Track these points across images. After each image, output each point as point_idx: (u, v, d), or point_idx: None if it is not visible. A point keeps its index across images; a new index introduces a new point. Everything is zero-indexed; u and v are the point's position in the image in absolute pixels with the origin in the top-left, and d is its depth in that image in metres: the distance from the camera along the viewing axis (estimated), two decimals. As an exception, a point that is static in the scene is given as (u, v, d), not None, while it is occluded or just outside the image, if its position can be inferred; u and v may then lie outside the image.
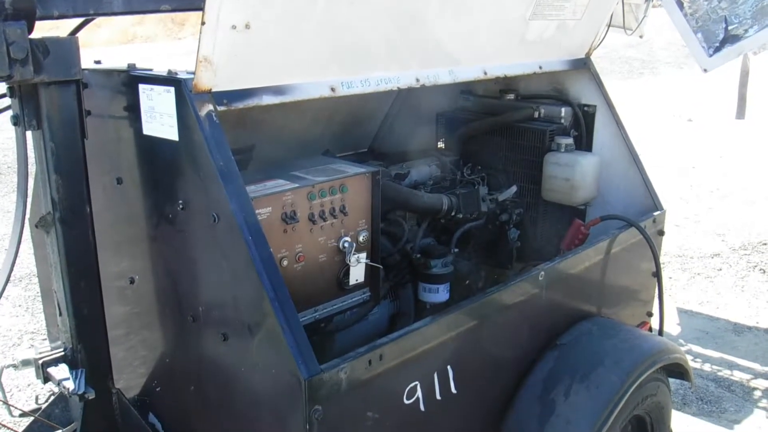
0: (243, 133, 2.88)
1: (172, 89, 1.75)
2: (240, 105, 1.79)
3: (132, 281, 2.12)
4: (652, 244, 2.68)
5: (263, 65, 1.82)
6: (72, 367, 2.03)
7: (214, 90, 1.74)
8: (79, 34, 2.00)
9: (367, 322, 2.54)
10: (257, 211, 1.78)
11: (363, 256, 2.00)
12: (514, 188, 2.77)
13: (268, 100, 1.85)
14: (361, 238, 2.04)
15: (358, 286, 2.07)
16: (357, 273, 2.01)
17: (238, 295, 1.73)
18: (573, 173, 2.87)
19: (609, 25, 3.97)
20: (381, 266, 2.13)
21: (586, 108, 3.06)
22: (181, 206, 1.82)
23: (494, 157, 3.14)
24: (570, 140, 2.94)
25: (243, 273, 1.67)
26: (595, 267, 2.59)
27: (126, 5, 1.93)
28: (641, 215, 2.89)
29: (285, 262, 1.86)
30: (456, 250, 2.66)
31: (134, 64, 1.95)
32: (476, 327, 2.05)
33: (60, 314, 2.05)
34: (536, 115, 3.04)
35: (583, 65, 2.97)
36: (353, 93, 2.06)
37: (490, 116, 3.16)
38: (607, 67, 14.55)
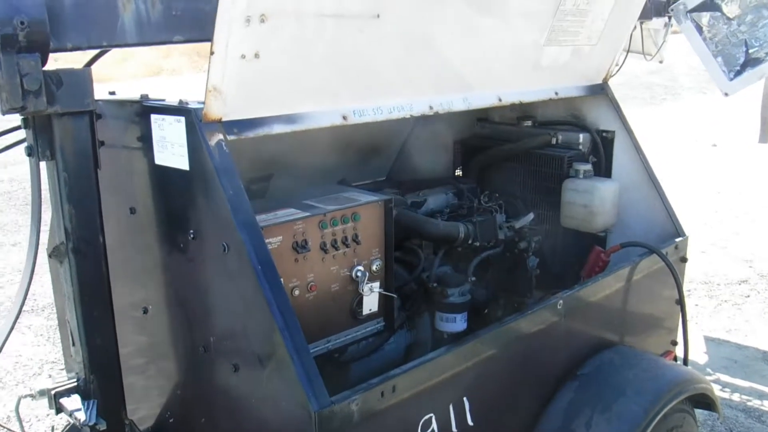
0: (259, 163, 2.89)
1: (182, 119, 1.75)
2: (251, 134, 1.79)
3: (145, 311, 2.11)
4: (674, 271, 2.62)
5: (273, 94, 1.82)
6: (84, 397, 2.01)
7: (224, 119, 1.74)
8: (108, 68, 2.03)
9: (383, 351, 2.51)
10: (267, 240, 1.76)
11: (376, 285, 1.97)
12: (530, 215, 2.73)
13: (278, 129, 1.84)
14: (374, 267, 2.02)
15: (371, 316, 2.04)
16: (370, 302, 1.99)
17: (248, 325, 1.71)
18: (591, 199, 2.82)
19: (628, 51, 3.95)
20: (395, 295, 2.10)
21: (604, 134, 3.02)
22: (192, 236, 1.81)
23: (512, 184, 3.11)
24: (588, 166, 2.90)
25: (253, 303, 1.65)
26: (616, 295, 2.53)
27: (139, 37, 1.94)
28: (663, 242, 2.83)
29: (296, 292, 1.84)
30: (473, 278, 2.62)
31: (147, 95, 1.97)
32: (493, 357, 2.01)
33: (73, 344, 2.04)
34: (554, 141, 3.01)
35: (600, 91, 2.94)
36: (366, 121, 2.05)
37: (508, 143, 3.14)
38: (628, 93, 14.48)
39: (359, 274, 1.96)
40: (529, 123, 3.20)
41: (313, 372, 1.58)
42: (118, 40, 1.93)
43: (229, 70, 1.68)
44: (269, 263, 1.63)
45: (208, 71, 1.65)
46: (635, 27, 3.81)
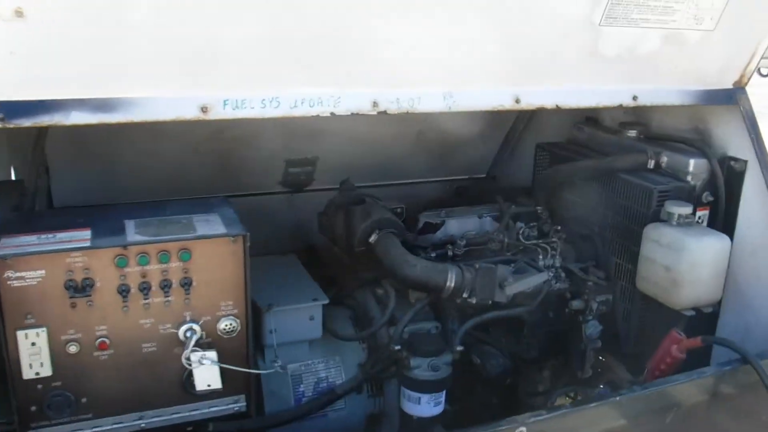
0: (306, 143, 2.38)
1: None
2: (27, 122, 1.27)
3: None
4: (773, 398, 1.66)
5: (70, 69, 1.27)
6: None
7: (-17, 100, 1.24)
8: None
9: (326, 420, 1.90)
10: (19, 274, 1.25)
11: (212, 354, 1.37)
12: (542, 276, 1.87)
13: (80, 117, 1.30)
14: (223, 326, 1.41)
15: (216, 394, 1.44)
16: (207, 376, 1.38)
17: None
18: (677, 261, 1.89)
19: None
20: (256, 371, 1.47)
21: (732, 163, 2.04)
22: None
23: (588, 216, 2.24)
24: (688, 209, 1.95)
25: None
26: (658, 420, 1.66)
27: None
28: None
29: (73, 348, 1.30)
30: (461, 348, 1.86)
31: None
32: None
33: None
34: (650, 164, 2.09)
35: (727, 100, 1.96)
36: (250, 116, 1.43)
37: (596, 157, 2.27)
38: None
39: (188, 334, 1.37)
40: (633, 133, 2.28)
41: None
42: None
43: (-29, 32, 1.17)
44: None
45: (-68, 30, 1.16)
46: None
